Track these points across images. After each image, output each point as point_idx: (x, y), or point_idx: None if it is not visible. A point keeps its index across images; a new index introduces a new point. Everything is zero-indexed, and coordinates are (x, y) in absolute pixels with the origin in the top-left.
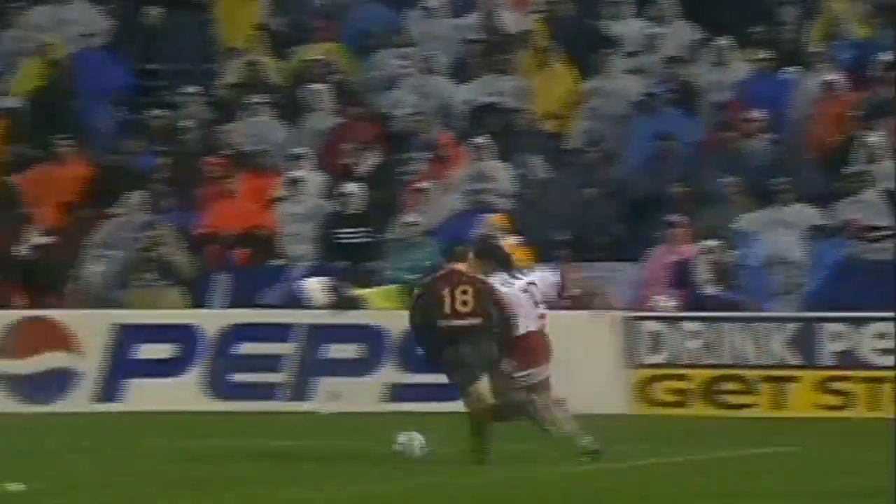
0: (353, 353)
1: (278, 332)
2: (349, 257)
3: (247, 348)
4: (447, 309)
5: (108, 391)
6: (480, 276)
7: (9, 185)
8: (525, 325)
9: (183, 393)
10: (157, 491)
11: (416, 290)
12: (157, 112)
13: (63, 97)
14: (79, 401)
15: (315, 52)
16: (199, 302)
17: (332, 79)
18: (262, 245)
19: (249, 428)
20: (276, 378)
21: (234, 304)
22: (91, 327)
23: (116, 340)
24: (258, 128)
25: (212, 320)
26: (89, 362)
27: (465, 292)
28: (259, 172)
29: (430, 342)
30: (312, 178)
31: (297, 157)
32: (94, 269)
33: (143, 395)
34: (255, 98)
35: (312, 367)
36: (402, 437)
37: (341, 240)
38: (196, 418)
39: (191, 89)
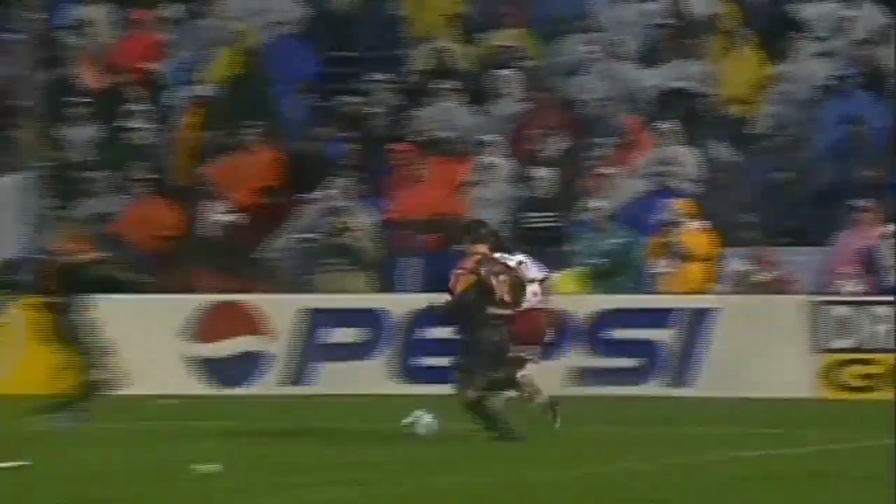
0: None
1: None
2: (536, 242)
3: (433, 332)
4: (498, 297)
5: (297, 374)
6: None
7: (203, 171)
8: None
9: (370, 376)
10: (344, 472)
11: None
12: (347, 99)
13: (256, 85)
14: (268, 384)
15: (503, 38)
16: (386, 286)
17: (519, 64)
18: (449, 230)
19: (434, 410)
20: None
21: (423, 288)
22: (281, 311)
23: (305, 324)
24: (447, 114)
25: (399, 305)
26: (279, 346)
27: (504, 282)
28: (447, 158)
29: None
30: (501, 163)
31: (486, 143)
32: (284, 253)
33: (331, 378)
34: (444, 84)
35: None
36: (409, 418)
37: (529, 224)
38: (382, 401)
39: (380, 76)
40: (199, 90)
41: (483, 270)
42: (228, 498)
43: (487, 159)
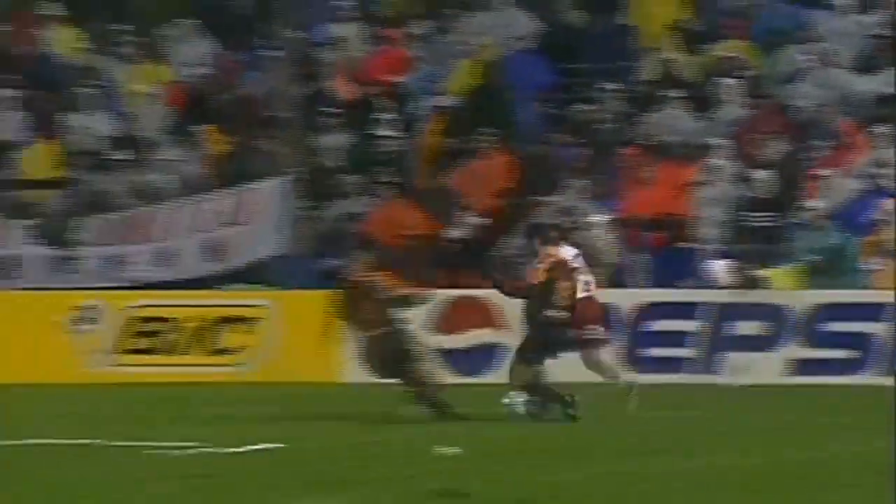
0: (757, 329)
1: (688, 311)
2: (756, 240)
3: (659, 325)
4: (556, 301)
5: None
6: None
7: (445, 176)
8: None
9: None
10: (577, 454)
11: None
12: (579, 107)
13: (495, 95)
14: (503, 373)
15: (726, 49)
16: (617, 281)
17: (741, 73)
18: (675, 229)
19: (661, 399)
20: (686, 353)
21: (651, 283)
22: (517, 306)
23: None
24: (672, 120)
25: (628, 299)
26: (514, 338)
27: (566, 288)
28: (673, 161)
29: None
30: (724, 165)
31: (710, 147)
32: (520, 252)
33: (567, 367)
34: (670, 92)
35: (720, 343)
36: (508, 398)
37: (749, 223)
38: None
39: (610, 85)
40: (442, 100)
41: (554, 274)
42: (465, 478)
43: (712, 162)
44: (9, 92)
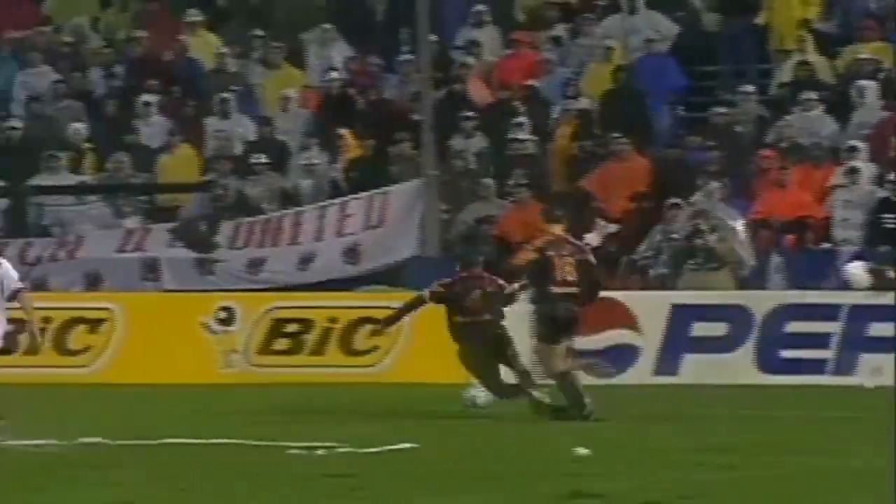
0: (892, 331)
1: (825, 312)
2: (893, 241)
3: (796, 326)
4: (559, 276)
5: (666, 365)
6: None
7: (580, 180)
8: None
9: (735, 368)
10: (710, 456)
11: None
12: (715, 110)
13: (630, 98)
14: (640, 374)
15: (863, 51)
16: (752, 283)
17: (878, 75)
18: (811, 231)
19: (798, 401)
20: (824, 354)
21: (787, 285)
22: (650, 307)
23: (673, 319)
24: (809, 122)
25: (762, 301)
26: (649, 339)
27: (569, 262)
28: (810, 164)
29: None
30: (862, 167)
31: (849, 149)
32: (655, 254)
33: (699, 369)
34: (807, 95)
35: (855, 345)
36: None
37: (886, 224)
38: (749, 391)
39: (746, 88)
40: (577, 104)
41: (549, 250)
42: (597, 478)
43: (850, 164)
44: (152, 97)
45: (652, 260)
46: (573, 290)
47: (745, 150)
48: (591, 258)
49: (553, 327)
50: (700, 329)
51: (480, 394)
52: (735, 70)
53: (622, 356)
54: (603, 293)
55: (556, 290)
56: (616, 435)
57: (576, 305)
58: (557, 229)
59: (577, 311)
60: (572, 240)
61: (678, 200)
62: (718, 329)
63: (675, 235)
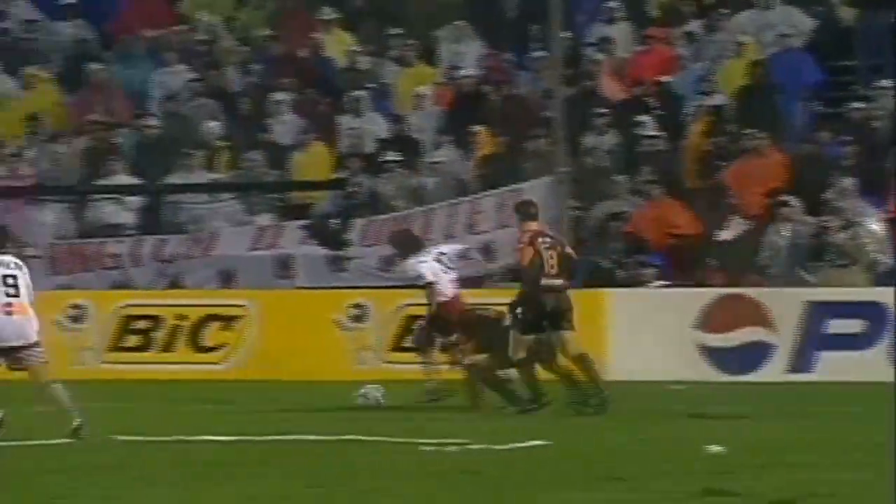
0: None
1: None
2: None
3: None
4: (547, 269)
5: (801, 363)
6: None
7: (713, 176)
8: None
9: (870, 365)
10: (852, 454)
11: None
12: (851, 105)
13: (764, 94)
14: (773, 371)
15: None
16: (887, 280)
17: None
18: None
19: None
20: None
21: None
22: (784, 304)
23: (808, 316)
24: None
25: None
26: (783, 336)
27: (552, 255)
28: None
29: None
30: None
31: None
32: (789, 250)
33: (833, 366)
34: None
35: None
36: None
37: None
38: (883, 389)
39: (883, 83)
40: (710, 99)
41: (538, 243)
42: (731, 476)
43: None
44: (285, 95)
45: (774, 258)
46: (558, 282)
47: (881, 146)
48: (570, 250)
49: (538, 318)
50: (834, 326)
51: (374, 393)
52: (872, 65)
53: (756, 353)
54: (736, 290)
55: (546, 282)
56: (749, 433)
57: (562, 297)
58: (534, 225)
59: (564, 303)
60: (551, 233)
61: (814, 196)
62: (853, 326)
63: (811, 232)
